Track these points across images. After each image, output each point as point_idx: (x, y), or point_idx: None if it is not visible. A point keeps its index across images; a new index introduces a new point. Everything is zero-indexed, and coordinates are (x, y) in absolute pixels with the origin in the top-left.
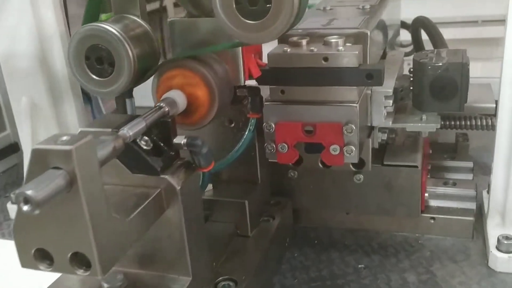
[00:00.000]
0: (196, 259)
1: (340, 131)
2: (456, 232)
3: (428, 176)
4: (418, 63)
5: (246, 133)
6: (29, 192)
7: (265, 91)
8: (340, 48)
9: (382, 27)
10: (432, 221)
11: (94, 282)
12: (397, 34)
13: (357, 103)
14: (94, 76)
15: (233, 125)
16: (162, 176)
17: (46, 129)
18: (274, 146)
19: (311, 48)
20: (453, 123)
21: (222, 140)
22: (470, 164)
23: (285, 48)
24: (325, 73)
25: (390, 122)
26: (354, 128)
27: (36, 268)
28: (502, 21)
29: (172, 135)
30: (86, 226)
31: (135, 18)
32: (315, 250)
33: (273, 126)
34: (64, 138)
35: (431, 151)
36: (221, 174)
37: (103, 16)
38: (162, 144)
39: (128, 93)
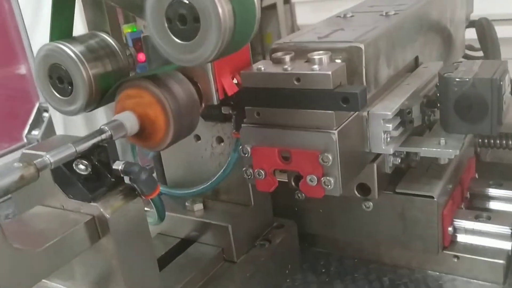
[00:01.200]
0: (135, 286)
1: (316, 160)
2: (483, 275)
3: (462, 207)
4: (442, 77)
5: (231, 153)
6: None
7: None
8: (315, 67)
9: (410, 33)
10: (456, 260)
11: None
12: (459, 35)
13: (335, 130)
14: (57, 94)
15: (222, 144)
16: (92, 203)
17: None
18: (252, 171)
19: (286, 66)
20: (492, 141)
21: (215, 160)
22: (509, 193)
23: (259, 66)
24: (298, 95)
25: (392, 149)
26: (331, 158)
27: None
28: None
29: (111, 160)
30: None
31: (104, 35)
32: (320, 280)
33: (249, 150)
34: None
35: (477, 176)
36: (218, 195)
37: (124, 28)
38: (102, 169)
39: None
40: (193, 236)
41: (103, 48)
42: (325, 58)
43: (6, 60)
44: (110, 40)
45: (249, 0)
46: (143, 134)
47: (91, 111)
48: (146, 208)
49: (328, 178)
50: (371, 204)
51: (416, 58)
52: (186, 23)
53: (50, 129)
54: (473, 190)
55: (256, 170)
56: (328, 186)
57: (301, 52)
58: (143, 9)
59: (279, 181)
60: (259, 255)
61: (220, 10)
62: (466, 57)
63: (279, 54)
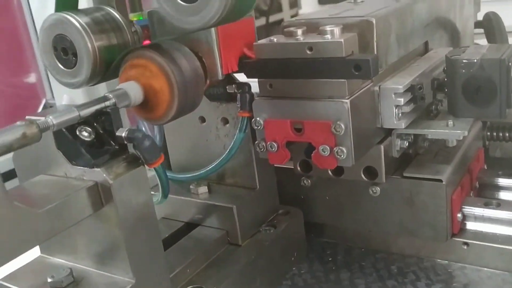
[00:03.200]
0: (139, 261)
1: (329, 129)
2: (494, 263)
3: (471, 194)
4: (450, 60)
5: (237, 133)
6: None
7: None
8: (327, 36)
9: (420, 19)
10: (466, 247)
11: (41, 274)
12: (467, 30)
13: (347, 99)
14: (61, 66)
15: (228, 125)
16: (96, 169)
17: None
18: (264, 144)
19: (298, 37)
20: (501, 134)
21: (220, 141)
22: None
23: (271, 38)
24: (310, 64)
25: (403, 124)
26: (343, 127)
27: None
28: None
29: (115, 127)
30: None
31: (110, 9)
32: (326, 268)
33: (262, 123)
34: None
35: (485, 166)
36: (224, 178)
37: (131, 17)
38: (106, 136)
39: None
40: (197, 219)
41: (109, 22)
42: (336, 30)
43: (15, 61)
44: (115, 14)
45: None
46: (147, 105)
47: (94, 85)
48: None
49: (341, 147)
50: (378, 189)
51: (426, 43)
52: None
53: None
54: (483, 180)
55: (269, 142)
56: (340, 156)
57: (313, 27)
58: None
59: (285, 168)
60: (264, 239)
61: None
62: None
63: (291, 28)
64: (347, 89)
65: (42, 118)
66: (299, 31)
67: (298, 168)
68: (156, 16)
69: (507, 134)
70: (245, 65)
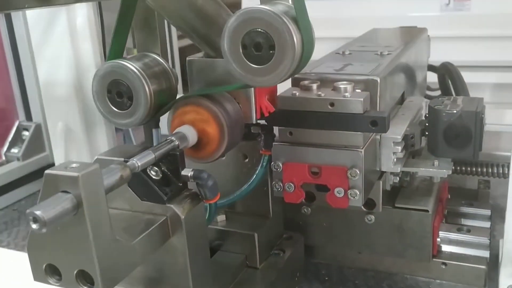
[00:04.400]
0: (199, 285)
1: (344, 174)
2: (468, 280)
3: (443, 221)
4: (433, 109)
5: (259, 168)
6: (37, 213)
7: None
8: (347, 94)
9: (400, 73)
10: (444, 266)
11: None
12: (423, 77)
13: (362, 149)
14: (114, 108)
15: (247, 160)
16: (168, 205)
17: (78, 153)
18: (282, 185)
19: (319, 93)
20: (469, 169)
21: (237, 174)
22: (487, 212)
23: (294, 92)
24: (331, 117)
25: (399, 168)
26: (359, 172)
27: (46, 282)
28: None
29: (180, 167)
30: (90, 246)
31: (155, 56)
32: (324, 286)
33: (281, 165)
34: (74, 165)
35: (449, 196)
36: (235, 207)
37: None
38: (170, 175)
39: (154, 123)
40: (216, 245)
41: (157, 67)
42: (349, 87)
43: None
44: (161, 60)
45: (311, 29)
46: (198, 146)
47: (142, 124)
48: None
49: (354, 190)
50: (373, 217)
51: (403, 93)
52: (261, 50)
53: (31, 147)
54: (449, 208)
55: (286, 183)
56: (354, 197)
57: (324, 82)
58: (210, 39)
59: None
60: (276, 262)
61: (295, 40)
62: (427, 96)
63: (306, 82)
64: (363, 140)
65: (131, 161)
66: (315, 86)
67: (303, 200)
68: (196, 66)
69: (473, 169)
70: (268, 116)
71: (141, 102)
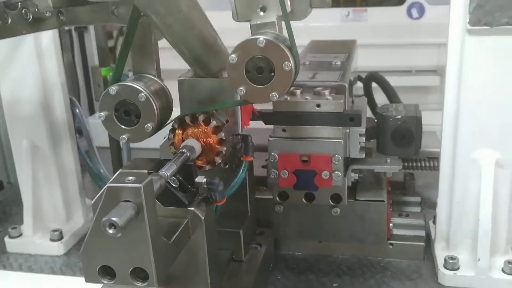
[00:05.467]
0: (213, 277)
1: (329, 160)
2: (410, 255)
3: (391, 209)
4: (381, 115)
5: (240, 173)
6: (115, 219)
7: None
8: (329, 97)
9: (351, 78)
10: (391, 246)
11: None
12: (355, 84)
13: (341, 139)
14: (121, 126)
15: (227, 166)
16: (189, 208)
17: (45, 170)
18: (277, 172)
19: (306, 97)
20: (406, 164)
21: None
22: (418, 199)
23: (285, 97)
24: (318, 116)
25: (363, 155)
26: (340, 158)
27: (99, 282)
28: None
29: (194, 175)
30: (148, 246)
31: (152, 76)
32: (294, 273)
33: (277, 156)
34: (131, 178)
35: (390, 188)
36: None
37: (103, 71)
38: (186, 183)
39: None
40: None
41: (157, 85)
42: (327, 92)
43: None
44: (158, 80)
45: (297, 53)
46: (201, 155)
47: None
48: None
49: (336, 172)
50: (339, 210)
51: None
52: (262, 73)
53: None
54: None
55: (281, 171)
56: (337, 178)
57: (305, 88)
58: (203, 60)
59: (260, 198)
60: (256, 255)
61: (292, 65)
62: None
63: (291, 88)
64: (342, 133)
65: (162, 172)
66: (299, 92)
67: (277, 198)
68: (188, 85)
69: (409, 164)
70: (265, 116)
71: (150, 119)
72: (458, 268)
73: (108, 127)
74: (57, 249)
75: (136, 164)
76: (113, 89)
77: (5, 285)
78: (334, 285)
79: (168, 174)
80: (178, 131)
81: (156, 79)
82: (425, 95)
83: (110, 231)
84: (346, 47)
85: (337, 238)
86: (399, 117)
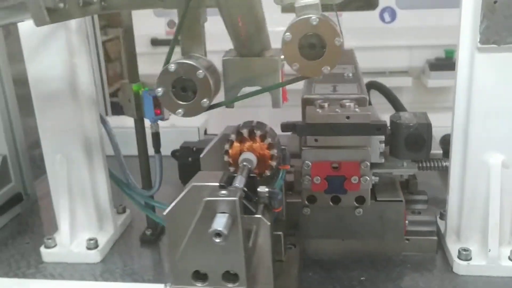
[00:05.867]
0: (275, 278)
1: (358, 166)
2: (424, 249)
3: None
4: (395, 123)
5: (278, 180)
6: (221, 229)
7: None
8: (356, 109)
9: None
10: (407, 241)
11: None
12: None
13: (369, 147)
14: (177, 101)
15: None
16: (256, 215)
17: (79, 182)
18: (310, 179)
19: (336, 109)
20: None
21: None
22: (425, 197)
23: (317, 110)
24: (348, 127)
25: (383, 159)
26: (368, 164)
27: (191, 285)
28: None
29: (256, 186)
30: (241, 252)
31: (201, 56)
32: (324, 270)
33: (310, 164)
34: (224, 192)
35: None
36: None
37: (134, 86)
38: (249, 193)
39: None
40: None
41: (208, 63)
42: (352, 105)
43: None
44: (206, 58)
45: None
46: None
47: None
48: None
49: (365, 177)
50: (361, 210)
51: None
52: (315, 49)
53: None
54: None
55: (314, 177)
56: (365, 182)
57: (331, 101)
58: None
59: (288, 202)
60: (292, 255)
61: (342, 40)
62: None
63: (319, 101)
64: (368, 141)
65: (237, 186)
66: (326, 104)
67: (306, 201)
68: (233, 64)
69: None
70: (298, 128)
71: (207, 95)
72: (470, 259)
73: (164, 102)
74: (94, 257)
75: (204, 178)
76: (172, 66)
77: None
78: (362, 278)
79: (241, 187)
80: (236, 144)
81: (206, 58)
82: (398, 95)
83: (217, 240)
84: (348, 57)
85: (359, 236)
86: (412, 124)
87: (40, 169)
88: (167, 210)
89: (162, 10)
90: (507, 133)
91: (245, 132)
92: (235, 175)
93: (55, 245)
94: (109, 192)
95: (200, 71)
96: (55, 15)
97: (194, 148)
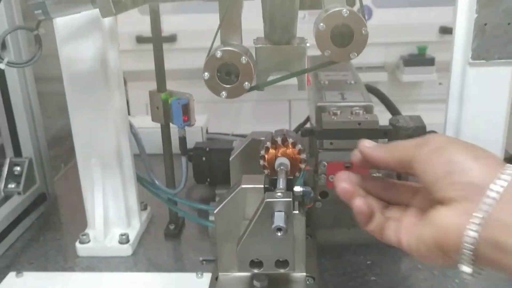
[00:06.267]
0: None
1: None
2: None
3: None
4: (395, 126)
5: (299, 179)
6: (282, 225)
7: None
8: (367, 116)
9: None
10: None
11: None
12: None
13: None
14: (222, 84)
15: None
16: (294, 212)
17: (112, 183)
18: (326, 177)
19: (348, 116)
20: None
21: None
22: None
23: (332, 117)
24: (359, 132)
25: None
26: None
27: (250, 271)
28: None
29: (293, 186)
30: (291, 243)
31: (239, 43)
32: (334, 256)
33: (326, 164)
34: (279, 193)
35: None
36: None
37: (162, 95)
38: None
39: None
40: None
41: (245, 49)
42: (361, 112)
43: None
44: (244, 46)
45: None
46: None
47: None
48: None
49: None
50: None
51: None
52: (344, 37)
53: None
54: None
55: (329, 176)
56: None
57: (342, 109)
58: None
59: None
60: (312, 244)
61: (368, 30)
62: None
63: (333, 109)
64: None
65: (281, 188)
66: (339, 112)
67: (319, 196)
68: (265, 52)
69: None
70: (316, 133)
71: (248, 78)
72: None
73: (210, 85)
74: (126, 251)
75: (250, 180)
76: (218, 52)
77: (98, 283)
78: (368, 262)
79: (285, 187)
80: (272, 150)
81: (243, 45)
82: None
83: (279, 234)
84: (345, 63)
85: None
86: (409, 127)
87: (54, 170)
88: (217, 209)
89: (147, 8)
90: (495, 139)
91: (279, 140)
92: (274, 177)
93: (89, 241)
94: (136, 190)
95: (244, 57)
96: (118, 6)
97: (207, 149)
